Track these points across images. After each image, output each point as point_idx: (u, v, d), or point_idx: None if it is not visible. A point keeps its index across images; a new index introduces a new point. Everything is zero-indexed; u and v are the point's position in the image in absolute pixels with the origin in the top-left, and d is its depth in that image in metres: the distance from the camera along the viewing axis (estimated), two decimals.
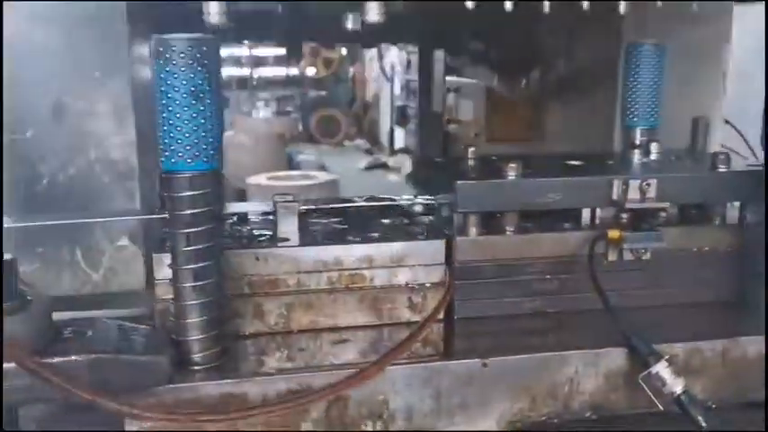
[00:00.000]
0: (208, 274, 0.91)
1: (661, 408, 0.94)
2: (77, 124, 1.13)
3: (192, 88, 0.85)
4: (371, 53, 8.26)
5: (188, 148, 0.86)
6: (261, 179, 5.76)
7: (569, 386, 1.00)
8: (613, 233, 1.09)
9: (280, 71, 8.87)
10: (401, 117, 6.38)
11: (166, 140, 0.86)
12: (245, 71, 8.62)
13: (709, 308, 1.16)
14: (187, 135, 0.86)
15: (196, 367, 0.92)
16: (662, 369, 0.94)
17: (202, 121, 0.86)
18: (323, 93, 9.84)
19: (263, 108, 8.63)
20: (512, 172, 1.10)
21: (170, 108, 0.85)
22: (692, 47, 1.63)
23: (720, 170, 1.16)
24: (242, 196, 5.52)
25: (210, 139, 0.87)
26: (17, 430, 0.87)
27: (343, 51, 9.01)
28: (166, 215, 0.90)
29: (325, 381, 0.92)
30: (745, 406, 1.04)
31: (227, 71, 8.32)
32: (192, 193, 0.88)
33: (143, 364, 0.87)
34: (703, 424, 0.91)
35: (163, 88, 0.85)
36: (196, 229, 0.89)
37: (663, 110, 1.36)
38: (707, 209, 1.20)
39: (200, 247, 0.90)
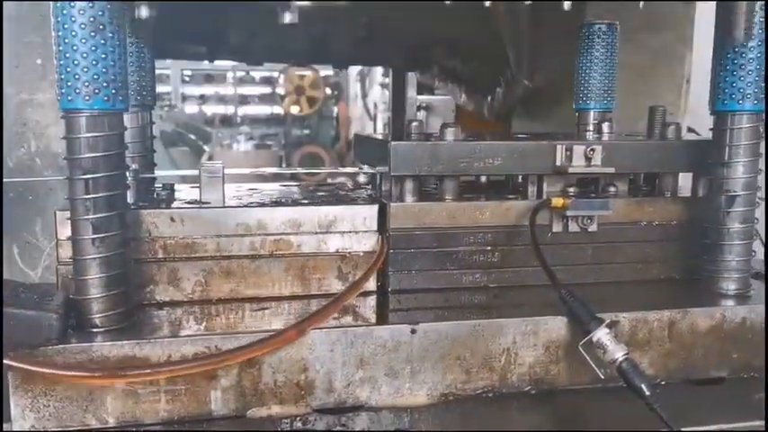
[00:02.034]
0: (109, 226, 0.84)
1: (602, 376, 0.87)
2: None
3: (91, 18, 0.79)
4: (356, 90, 8.34)
5: (86, 84, 0.80)
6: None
7: (506, 357, 0.92)
8: (557, 200, 1.03)
9: (264, 109, 8.94)
10: None
11: (63, 76, 0.80)
12: (229, 109, 8.67)
13: (657, 282, 1.10)
14: (85, 70, 0.80)
15: (95, 329, 0.84)
16: (603, 335, 0.87)
17: (102, 55, 0.80)
18: (306, 131, 9.88)
19: (243, 142, 8.65)
20: (449, 135, 1.04)
21: (66, 40, 0.79)
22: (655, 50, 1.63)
23: (668, 140, 1.11)
24: None
25: (112, 77, 0.81)
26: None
27: (328, 91, 9.07)
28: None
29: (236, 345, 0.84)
30: (695, 383, 0.97)
31: (212, 109, 8.35)
32: (90, 135, 0.82)
33: (30, 319, 0.79)
34: (646, 392, 0.84)
35: (59, 18, 0.79)
36: (95, 176, 0.82)
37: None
38: (657, 184, 1.15)
39: (101, 195, 0.83)
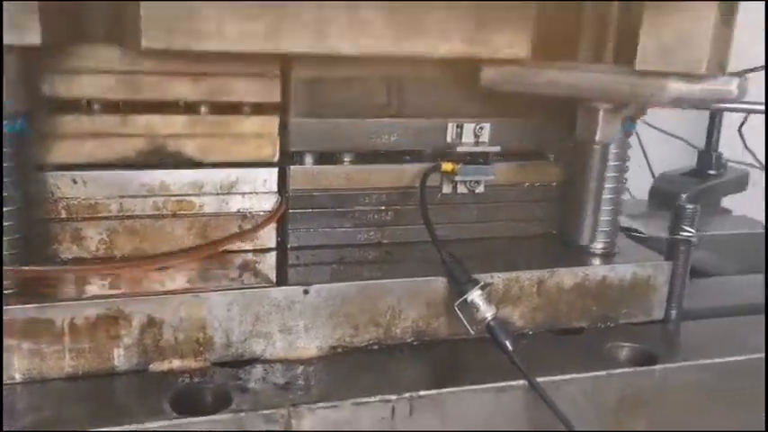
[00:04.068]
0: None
1: (472, 333, 0.98)
2: None
3: None
4: None
5: None
6: None
7: (391, 314, 1.02)
8: (447, 165, 1.11)
9: None
10: None
11: None
12: None
13: (537, 237, 1.21)
14: None
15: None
16: (476, 296, 0.98)
17: None
18: None
19: None
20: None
21: None
22: None
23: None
24: None
25: None
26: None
27: None
28: None
29: (141, 307, 0.91)
30: (560, 332, 1.10)
31: None
32: None
33: None
34: (510, 348, 0.95)
35: None
36: None
37: None
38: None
39: None
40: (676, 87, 0.93)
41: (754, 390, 1.05)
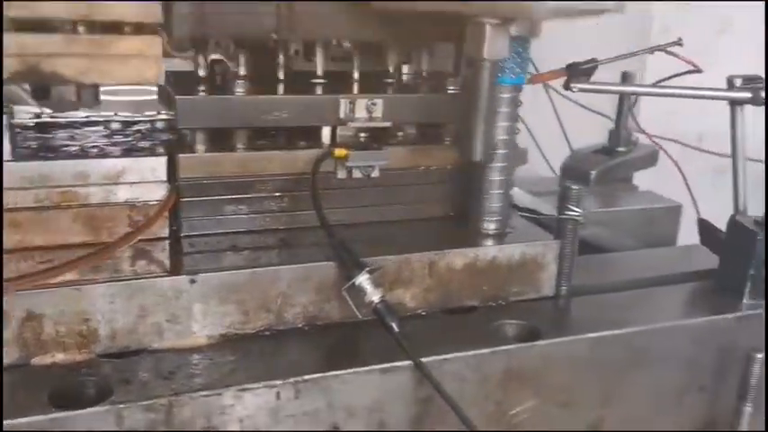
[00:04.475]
0: None
1: (360, 317, 1.00)
2: None
3: None
4: None
5: None
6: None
7: (282, 299, 1.03)
8: (339, 151, 1.12)
9: None
10: None
11: None
12: None
13: (435, 219, 1.23)
14: None
15: None
16: (363, 280, 0.99)
17: None
18: None
19: None
20: (239, 88, 1.09)
21: None
22: None
23: (448, 91, 1.21)
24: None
25: None
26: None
27: None
28: None
29: (19, 302, 0.90)
30: (453, 312, 1.13)
31: None
32: None
33: None
34: (396, 329, 0.98)
35: None
36: None
37: None
38: (441, 129, 1.25)
39: None
40: None
41: (634, 361, 1.11)
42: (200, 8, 1.04)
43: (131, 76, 1.01)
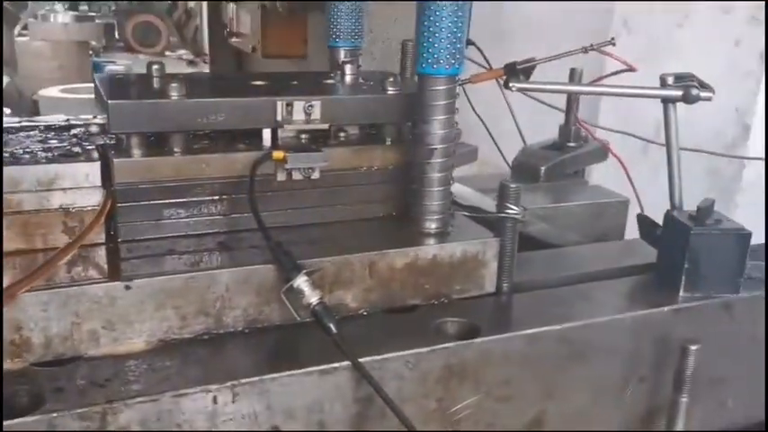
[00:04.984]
0: None
1: (298, 319, 1.00)
2: None
3: None
4: None
5: None
6: (53, 91, 5.42)
7: (221, 303, 1.03)
8: (278, 154, 1.12)
9: None
10: None
11: None
12: None
13: (377, 219, 1.24)
14: None
15: None
16: (302, 282, 1.00)
17: None
18: None
19: (62, 13, 7.90)
20: (174, 92, 1.08)
21: None
22: None
23: (388, 93, 1.21)
24: (35, 109, 5.16)
25: None
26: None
27: None
28: None
29: None
30: (394, 311, 1.14)
31: None
32: None
33: None
34: (334, 330, 0.98)
35: None
36: None
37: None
38: (382, 129, 1.26)
39: None
40: None
41: (574, 355, 1.13)
42: None
43: None
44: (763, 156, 2.30)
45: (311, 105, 1.13)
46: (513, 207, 1.15)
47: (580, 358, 1.15)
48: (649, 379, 1.20)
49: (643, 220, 1.32)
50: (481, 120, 1.99)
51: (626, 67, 1.23)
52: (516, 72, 1.22)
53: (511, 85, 1.22)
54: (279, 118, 1.13)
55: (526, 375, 1.11)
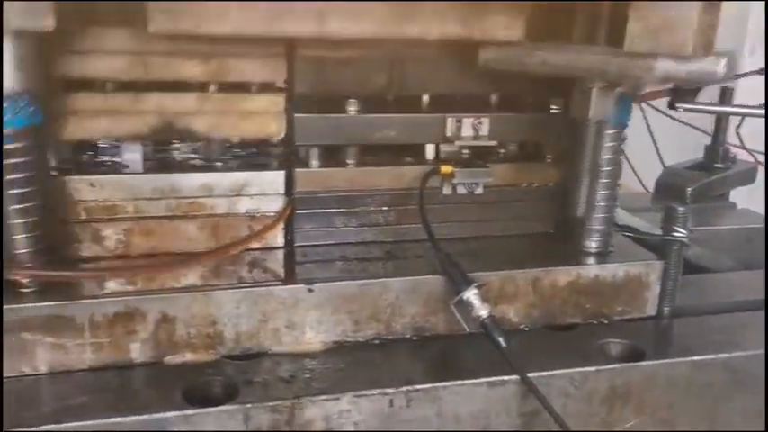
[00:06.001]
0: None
1: (468, 330, 1.03)
2: None
3: None
4: None
5: None
6: None
7: (391, 310, 1.08)
8: (446, 168, 1.16)
9: None
10: None
11: None
12: None
13: (536, 236, 1.26)
14: None
15: (24, 289, 0.96)
16: (471, 295, 1.03)
17: None
18: None
19: None
20: (351, 107, 1.14)
21: None
22: None
23: (550, 111, 1.23)
24: None
25: None
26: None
27: None
28: None
29: (156, 305, 0.97)
30: (555, 328, 1.15)
31: None
32: None
33: None
34: (503, 344, 1.01)
35: None
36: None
37: None
38: (542, 146, 1.27)
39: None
40: (663, 66, 0.96)
41: (737, 386, 1.10)
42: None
43: (257, 131, 1.10)
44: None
45: (480, 122, 1.16)
46: (681, 230, 1.14)
47: (744, 388, 1.12)
48: None
49: None
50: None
51: None
52: (684, 93, 1.20)
53: (678, 105, 1.21)
54: (448, 134, 1.16)
55: (689, 401, 1.10)
